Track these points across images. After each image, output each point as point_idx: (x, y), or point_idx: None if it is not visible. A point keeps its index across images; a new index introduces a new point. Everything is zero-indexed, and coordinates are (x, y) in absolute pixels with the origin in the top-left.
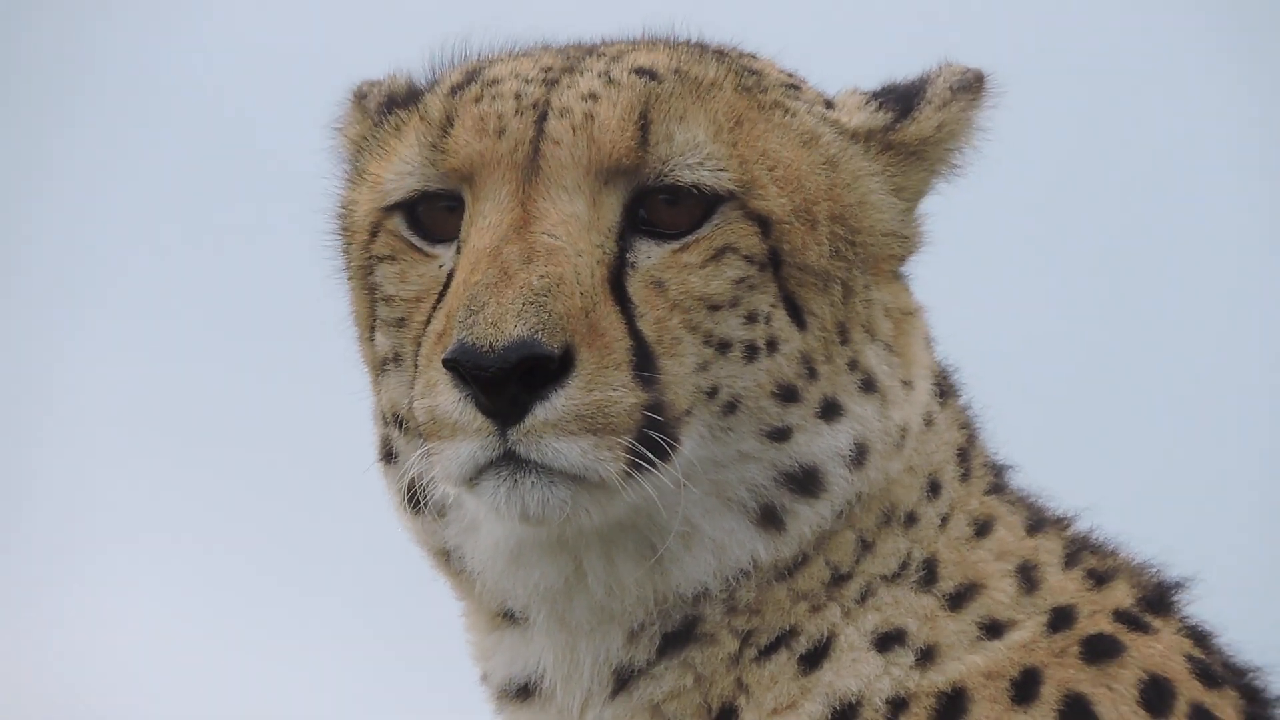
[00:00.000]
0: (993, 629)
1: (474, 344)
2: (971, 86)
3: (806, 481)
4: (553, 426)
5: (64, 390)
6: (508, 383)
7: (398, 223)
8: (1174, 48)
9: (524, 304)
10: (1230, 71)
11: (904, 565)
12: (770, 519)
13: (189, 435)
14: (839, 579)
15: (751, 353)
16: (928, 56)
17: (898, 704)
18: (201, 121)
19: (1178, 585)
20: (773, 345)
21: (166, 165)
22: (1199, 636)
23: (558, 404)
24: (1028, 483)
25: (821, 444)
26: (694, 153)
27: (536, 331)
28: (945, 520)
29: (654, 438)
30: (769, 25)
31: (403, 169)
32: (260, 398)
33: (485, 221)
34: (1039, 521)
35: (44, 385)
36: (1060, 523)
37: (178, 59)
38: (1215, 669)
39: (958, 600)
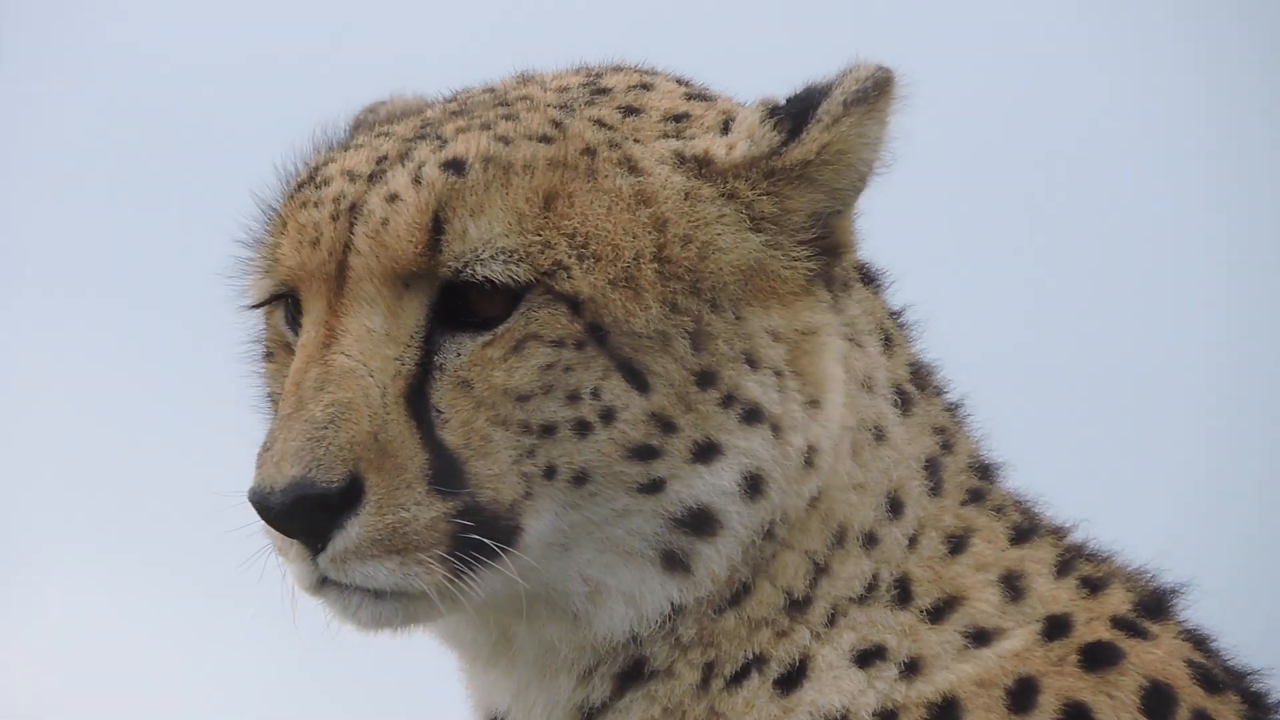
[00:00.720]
0: (979, 637)
1: (259, 486)
2: (868, 97)
3: (698, 523)
4: (353, 553)
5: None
6: (293, 521)
7: (278, 315)
8: (1148, 42)
9: (304, 441)
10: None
11: (871, 586)
12: (673, 563)
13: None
14: (797, 603)
15: (583, 429)
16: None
17: (886, 716)
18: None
19: (1174, 590)
20: (609, 416)
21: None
22: (1198, 641)
23: (353, 532)
24: (1023, 486)
25: (703, 485)
26: (486, 248)
27: (311, 470)
28: (914, 540)
29: (477, 540)
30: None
31: (258, 268)
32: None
33: (304, 338)
34: (1029, 529)
35: None
36: (1054, 531)
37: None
38: (1216, 674)
39: (938, 614)
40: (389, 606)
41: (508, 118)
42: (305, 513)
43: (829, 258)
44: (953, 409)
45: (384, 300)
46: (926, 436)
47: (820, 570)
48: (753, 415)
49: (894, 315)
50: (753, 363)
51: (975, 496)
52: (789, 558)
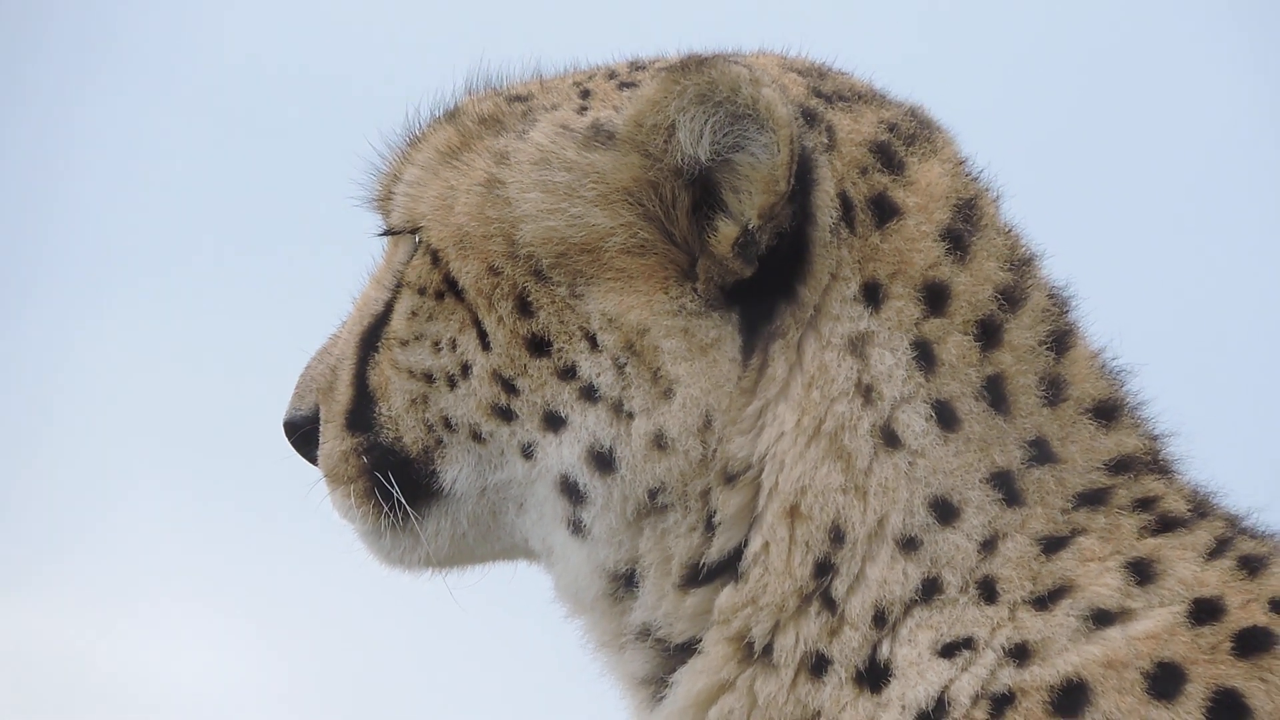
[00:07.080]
0: (1101, 618)
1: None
2: (669, 69)
3: (570, 491)
4: (325, 479)
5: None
6: (294, 447)
7: None
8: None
9: (301, 373)
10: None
11: (931, 589)
12: (577, 528)
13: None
14: (829, 602)
15: (451, 380)
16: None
17: (1000, 700)
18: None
19: None
20: (466, 369)
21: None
22: None
23: (319, 457)
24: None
25: (561, 453)
26: (399, 197)
27: (295, 399)
28: (990, 545)
29: (393, 478)
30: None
31: None
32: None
33: None
34: (1184, 519)
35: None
36: (1226, 519)
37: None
38: None
39: (1043, 602)
40: (359, 540)
41: None
42: (295, 440)
43: (704, 260)
44: (1088, 414)
45: (388, 246)
46: (992, 451)
47: (827, 569)
48: (589, 393)
49: (972, 332)
50: (592, 342)
51: (1091, 499)
52: (763, 543)
